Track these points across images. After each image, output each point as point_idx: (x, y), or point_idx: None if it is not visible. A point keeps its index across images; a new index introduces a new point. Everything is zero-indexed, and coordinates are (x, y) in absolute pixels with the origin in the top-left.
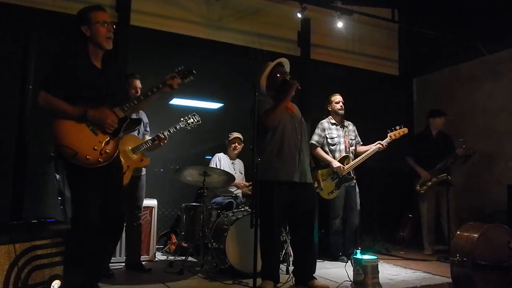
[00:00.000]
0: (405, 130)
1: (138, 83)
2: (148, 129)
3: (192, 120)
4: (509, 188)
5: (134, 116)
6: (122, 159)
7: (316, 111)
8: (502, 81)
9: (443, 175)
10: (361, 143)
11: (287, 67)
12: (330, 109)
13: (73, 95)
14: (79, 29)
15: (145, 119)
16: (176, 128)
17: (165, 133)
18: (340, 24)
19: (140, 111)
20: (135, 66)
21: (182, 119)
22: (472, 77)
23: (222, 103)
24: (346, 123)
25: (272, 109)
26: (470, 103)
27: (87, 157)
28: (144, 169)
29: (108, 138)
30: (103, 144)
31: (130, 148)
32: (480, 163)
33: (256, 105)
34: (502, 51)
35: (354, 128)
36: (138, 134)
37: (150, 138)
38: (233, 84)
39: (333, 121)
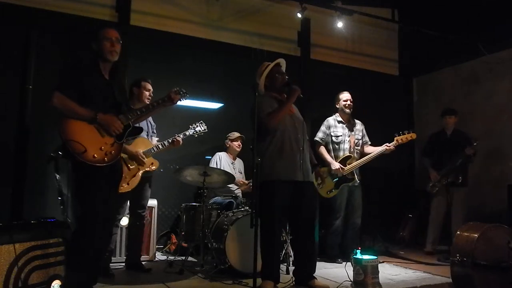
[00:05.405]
0: (413, 135)
1: (149, 86)
2: (155, 130)
3: (199, 128)
4: (509, 188)
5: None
6: (133, 163)
7: (316, 111)
8: (502, 81)
9: (453, 175)
10: (369, 143)
11: (283, 67)
12: (337, 107)
13: (82, 101)
14: (91, 45)
15: (152, 122)
16: (185, 134)
17: (181, 136)
18: (340, 24)
19: None
20: (135, 66)
21: (190, 126)
22: (472, 77)
23: (222, 103)
24: (354, 121)
25: (275, 112)
26: (470, 103)
27: (94, 155)
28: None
29: (113, 141)
30: (108, 146)
31: (142, 151)
32: (480, 163)
33: (256, 106)
34: (502, 51)
35: (363, 127)
36: (147, 137)
37: (164, 141)
38: (233, 84)
39: (339, 119)
